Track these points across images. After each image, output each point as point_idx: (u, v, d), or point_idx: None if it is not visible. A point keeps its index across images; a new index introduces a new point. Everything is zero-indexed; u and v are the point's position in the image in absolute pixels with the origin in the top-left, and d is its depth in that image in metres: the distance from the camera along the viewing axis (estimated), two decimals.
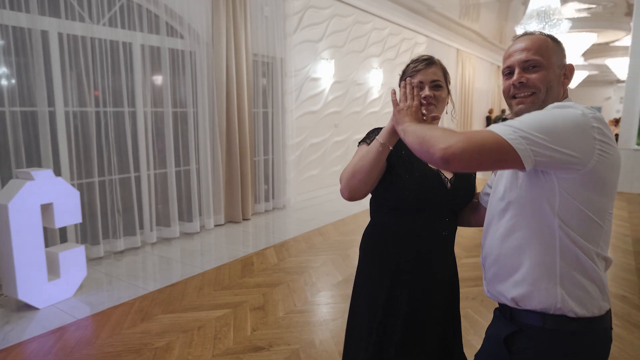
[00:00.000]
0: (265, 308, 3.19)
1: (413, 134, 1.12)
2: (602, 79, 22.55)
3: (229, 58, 5.16)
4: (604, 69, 18.55)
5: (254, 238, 5.02)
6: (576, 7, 9.88)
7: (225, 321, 2.96)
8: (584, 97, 24.34)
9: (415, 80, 1.40)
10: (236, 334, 2.79)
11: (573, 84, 20.07)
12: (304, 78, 6.59)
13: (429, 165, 1.44)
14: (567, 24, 6.34)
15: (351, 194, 1.43)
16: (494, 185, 1.29)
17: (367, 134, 1.58)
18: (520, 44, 1.18)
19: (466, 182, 1.51)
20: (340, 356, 2.58)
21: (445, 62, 6.67)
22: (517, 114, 1.17)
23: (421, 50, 9.89)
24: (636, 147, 7.94)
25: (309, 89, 6.71)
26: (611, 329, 1.13)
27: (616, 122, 12.99)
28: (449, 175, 1.46)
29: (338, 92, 7.33)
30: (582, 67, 18.60)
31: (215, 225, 5.31)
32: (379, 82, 8.33)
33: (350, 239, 4.96)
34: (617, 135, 8.99)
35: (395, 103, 1.28)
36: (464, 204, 1.53)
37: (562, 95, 1.20)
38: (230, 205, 5.49)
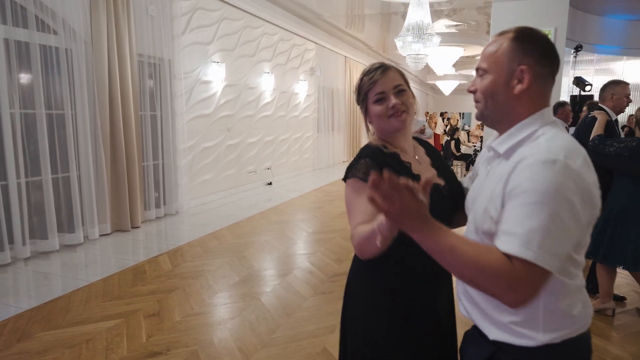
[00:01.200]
0: (160, 314, 3.11)
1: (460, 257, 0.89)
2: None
3: (111, 58, 4.88)
4: (472, 78, 21.03)
5: (145, 246, 4.80)
6: (446, 24, 11.10)
7: (117, 331, 2.83)
8: (457, 104, 27.27)
9: (376, 92, 1.27)
10: (130, 343, 2.70)
11: (447, 91, 22.43)
12: (195, 81, 6.47)
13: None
14: (437, 39, 7.12)
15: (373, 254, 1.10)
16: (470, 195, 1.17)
17: (359, 165, 1.28)
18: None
19: (456, 184, 1.37)
20: (239, 352, 2.64)
21: (333, 70, 7.11)
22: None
23: (311, 57, 10.29)
24: None
25: (200, 92, 6.61)
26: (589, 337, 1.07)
27: (482, 125, 14.82)
28: (441, 182, 1.32)
29: (230, 96, 7.31)
30: (454, 77, 20.80)
31: (101, 235, 4.96)
32: (270, 86, 8.48)
33: (246, 241, 5.01)
34: (481, 137, 10.28)
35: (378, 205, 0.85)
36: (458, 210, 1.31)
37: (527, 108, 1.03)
38: (117, 213, 5.18)
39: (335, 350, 2.67)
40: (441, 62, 13.31)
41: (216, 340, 2.77)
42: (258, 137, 8.30)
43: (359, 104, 1.37)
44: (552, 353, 0.98)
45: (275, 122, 8.88)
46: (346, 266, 4.15)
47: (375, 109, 1.31)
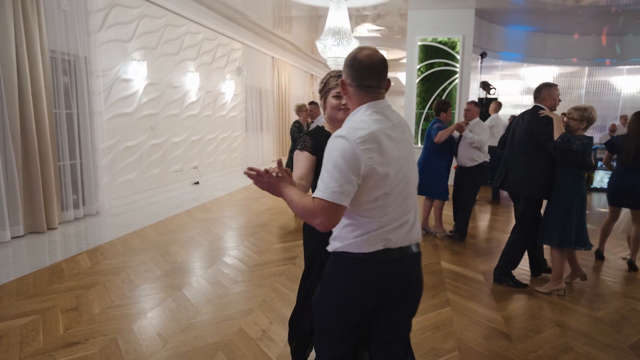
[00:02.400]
0: (79, 308, 3.15)
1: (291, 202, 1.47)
2: (397, 90, 26.71)
3: (19, 54, 4.72)
4: (397, 81, 22.06)
5: (63, 246, 4.70)
6: (369, 28, 11.67)
7: (33, 326, 2.85)
8: None
9: (334, 91, 1.91)
10: (47, 336, 2.73)
11: None
12: (114, 79, 6.36)
13: None
14: (356, 42, 7.55)
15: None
16: None
17: (302, 140, 1.91)
18: None
19: None
20: (158, 336, 2.78)
21: (261, 70, 7.36)
22: None
23: (238, 56, 10.38)
24: (415, 146, 9.83)
25: (120, 90, 6.50)
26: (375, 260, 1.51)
27: None
28: None
29: (153, 95, 7.24)
30: None
31: (13, 237, 4.77)
32: (196, 85, 8.48)
33: (170, 237, 5.06)
34: None
35: (255, 177, 1.46)
36: None
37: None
38: (30, 214, 5.00)
39: (251, 330, 2.90)
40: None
41: (136, 328, 2.88)
42: (184, 136, 8.27)
43: (320, 93, 1.98)
44: (335, 256, 1.57)
45: (202, 122, 8.89)
46: (267, 257, 4.41)
47: (333, 101, 1.94)
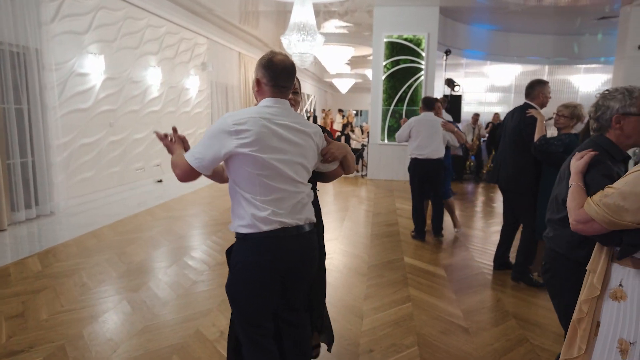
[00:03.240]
0: (25, 314, 2.98)
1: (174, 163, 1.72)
2: (366, 86, 26.83)
3: None
4: (366, 78, 22.14)
5: (11, 249, 4.46)
6: (336, 24, 11.65)
7: None
8: (355, 102, 28.53)
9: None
10: None
11: (343, 89, 23.39)
12: (69, 73, 6.08)
13: None
14: (321, 38, 7.51)
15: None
16: None
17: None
18: None
19: None
20: (110, 342, 2.66)
21: (227, 65, 7.22)
22: None
23: (202, 51, 10.16)
24: (380, 142, 9.88)
25: (76, 85, 6.22)
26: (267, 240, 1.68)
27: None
28: None
29: (111, 90, 6.98)
30: (349, 76, 21.76)
31: None
32: (157, 80, 8.24)
33: (128, 237, 4.90)
34: (368, 132, 10.99)
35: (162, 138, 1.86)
36: None
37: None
38: None
39: (208, 331, 2.82)
40: (333, 60, 13.95)
41: (86, 333, 2.75)
42: (145, 132, 8.02)
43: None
44: (237, 238, 1.73)
45: (165, 118, 8.65)
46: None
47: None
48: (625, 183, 1.41)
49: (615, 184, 1.45)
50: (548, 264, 1.94)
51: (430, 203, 5.22)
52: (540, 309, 3.33)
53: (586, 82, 12.83)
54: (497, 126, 10.95)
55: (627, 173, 1.47)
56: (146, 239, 4.85)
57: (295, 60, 7.42)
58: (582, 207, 1.51)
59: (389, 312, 3.20)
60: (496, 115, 11.36)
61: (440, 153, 4.96)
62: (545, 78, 12.89)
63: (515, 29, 12.05)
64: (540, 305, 3.40)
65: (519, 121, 3.69)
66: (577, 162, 1.68)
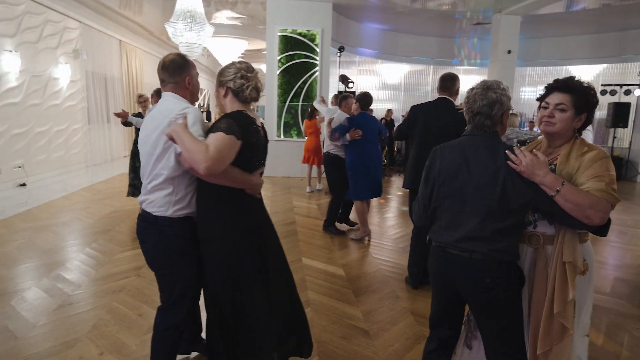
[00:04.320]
0: None
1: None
2: (263, 82, 26.37)
3: None
4: (262, 73, 21.76)
5: None
6: (228, 15, 11.12)
7: None
8: None
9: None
10: None
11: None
12: None
13: None
14: (210, 28, 7.01)
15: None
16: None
17: (234, 126, 1.85)
18: None
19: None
20: None
21: (106, 54, 6.35)
22: None
23: (74, 37, 8.97)
24: (277, 138, 9.64)
25: None
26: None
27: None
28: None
29: None
30: None
31: None
32: (16, 67, 7.04)
33: None
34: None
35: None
36: None
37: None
38: None
39: None
40: (226, 53, 13.37)
41: None
42: (2, 129, 6.82)
43: (222, 84, 2.04)
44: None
45: (27, 112, 7.45)
46: (106, 270, 3.75)
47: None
48: (607, 169, 1.63)
49: (597, 172, 1.62)
50: (493, 280, 1.69)
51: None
52: None
53: (465, 83, 13.95)
54: (390, 122, 11.42)
55: (589, 159, 1.66)
56: None
57: (183, 50, 6.85)
58: (600, 199, 1.58)
59: None
60: (389, 111, 11.82)
61: (336, 150, 5.04)
62: (429, 78, 13.79)
63: (403, 30, 12.64)
64: None
65: (458, 119, 3.32)
66: (537, 170, 1.60)
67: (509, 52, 10.15)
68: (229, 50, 13.38)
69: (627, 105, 10.42)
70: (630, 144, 10.79)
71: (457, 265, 1.76)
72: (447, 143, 1.85)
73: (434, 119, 3.53)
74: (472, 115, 1.77)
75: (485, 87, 1.74)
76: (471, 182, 1.72)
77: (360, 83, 13.00)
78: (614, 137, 10.99)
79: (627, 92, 10.45)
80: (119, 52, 11.22)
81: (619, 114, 10.37)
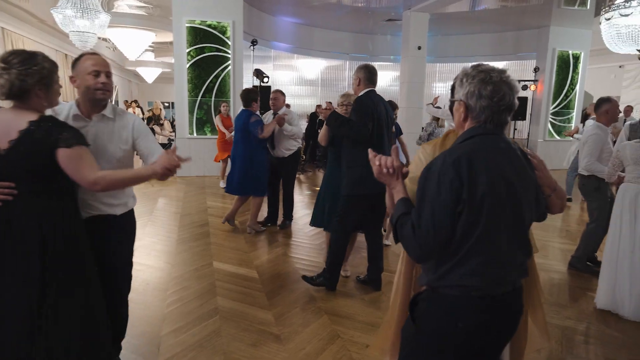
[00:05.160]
0: None
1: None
2: (169, 77, 24.84)
3: None
4: (171, 66, 20.57)
5: None
6: (130, 4, 10.31)
7: None
8: (164, 92, 26.29)
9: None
10: None
11: (149, 79, 21.44)
12: None
13: None
14: (106, 17, 6.40)
15: None
16: None
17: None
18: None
19: None
20: None
21: None
22: None
23: None
24: (189, 135, 9.12)
25: None
26: None
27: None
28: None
29: None
30: (155, 64, 19.99)
31: None
32: None
33: None
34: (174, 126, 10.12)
35: None
36: None
37: None
38: None
39: None
40: (131, 46, 12.45)
41: None
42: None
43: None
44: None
45: None
46: None
47: None
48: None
49: None
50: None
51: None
52: (349, 299, 3.30)
53: (380, 78, 14.33)
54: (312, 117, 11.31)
55: None
56: None
57: (75, 39, 6.19)
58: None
59: (192, 332, 2.74)
60: (319, 107, 11.70)
61: (285, 153, 5.06)
62: (346, 73, 13.96)
63: (319, 25, 12.63)
64: (348, 295, 3.38)
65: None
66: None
67: (419, 48, 10.53)
68: (134, 42, 12.45)
69: (525, 100, 11.31)
70: (528, 135, 11.74)
71: (510, 313, 1.38)
72: (468, 149, 1.30)
73: (385, 115, 3.33)
74: (497, 111, 1.33)
75: (505, 75, 1.33)
76: (523, 201, 1.33)
77: (277, 78, 12.78)
78: (514, 129, 11.93)
79: (524, 88, 11.35)
80: (3, 40, 9.97)
81: (518, 108, 11.22)
